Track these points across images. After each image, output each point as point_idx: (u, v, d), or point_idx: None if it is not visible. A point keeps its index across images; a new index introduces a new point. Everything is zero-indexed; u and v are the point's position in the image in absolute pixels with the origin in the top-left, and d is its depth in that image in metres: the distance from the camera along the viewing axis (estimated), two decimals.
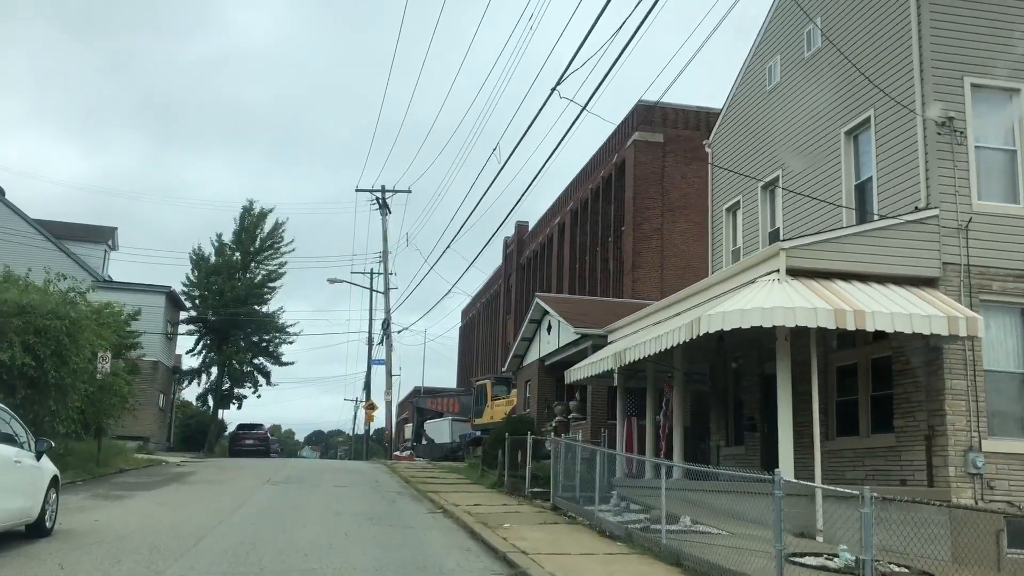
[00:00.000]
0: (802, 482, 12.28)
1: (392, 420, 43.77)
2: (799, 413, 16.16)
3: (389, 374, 42.81)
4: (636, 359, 16.98)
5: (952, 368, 13.82)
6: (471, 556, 11.41)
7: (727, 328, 13.34)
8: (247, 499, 17.33)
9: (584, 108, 14.79)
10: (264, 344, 48.06)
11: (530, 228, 62.29)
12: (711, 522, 13.19)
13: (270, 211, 48.28)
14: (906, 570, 10.07)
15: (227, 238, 48.00)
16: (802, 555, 10.39)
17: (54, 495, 12.05)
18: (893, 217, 14.62)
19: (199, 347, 47.55)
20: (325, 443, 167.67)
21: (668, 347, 15.20)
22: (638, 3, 12.69)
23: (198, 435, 49.78)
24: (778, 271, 14.04)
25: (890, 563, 9.91)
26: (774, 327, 13.23)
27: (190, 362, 50.51)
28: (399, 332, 46.50)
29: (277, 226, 48.20)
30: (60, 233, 43.94)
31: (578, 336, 24.34)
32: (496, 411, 38.68)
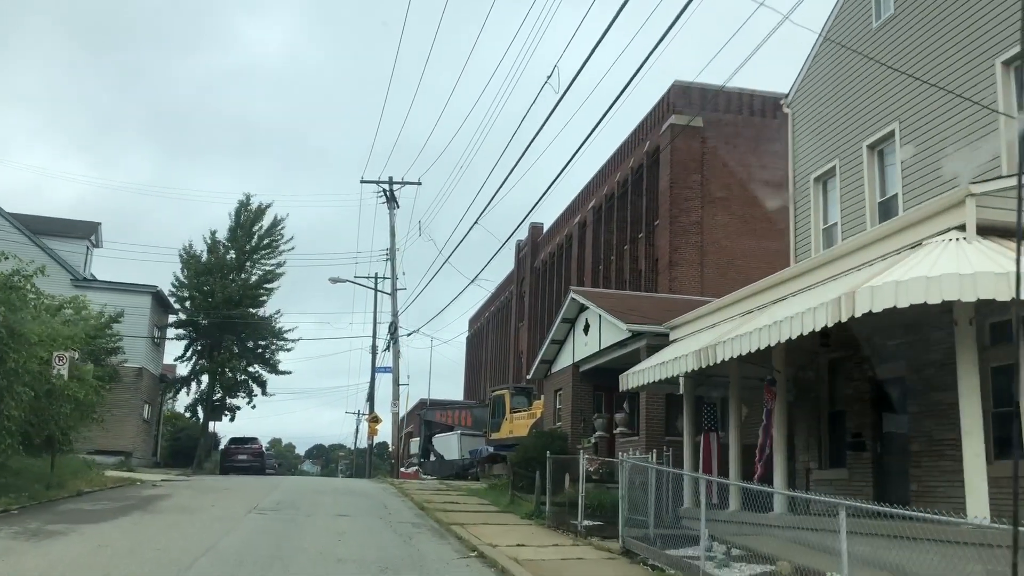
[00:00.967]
0: None
1: (399, 434, 39.66)
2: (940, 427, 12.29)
3: (396, 383, 38.80)
4: (734, 355, 12.91)
5: None
6: None
7: (902, 304, 9.30)
8: (220, 538, 13.26)
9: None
10: (260, 350, 43.93)
11: (545, 229, 58.33)
12: None
13: (268, 206, 44.34)
14: None
15: (222, 235, 44.04)
16: None
17: None
18: None
19: (189, 353, 43.49)
20: (326, 457, 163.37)
21: (795, 335, 11.12)
22: None
23: (189, 450, 45.65)
24: (960, 227, 10.01)
25: None
26: (926, 306, 9.25)
27: (183, 370, 46.46)
28: (408, 335, 42.38)
29: (276, 222, 44.22)
30: (38, 228, 40.00)
31: (629, 334, 20.31)
32: (516, 425, 34.58)
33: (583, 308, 24.49)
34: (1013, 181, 10.43)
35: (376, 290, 43.92)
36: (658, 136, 36.90)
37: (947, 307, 9.80)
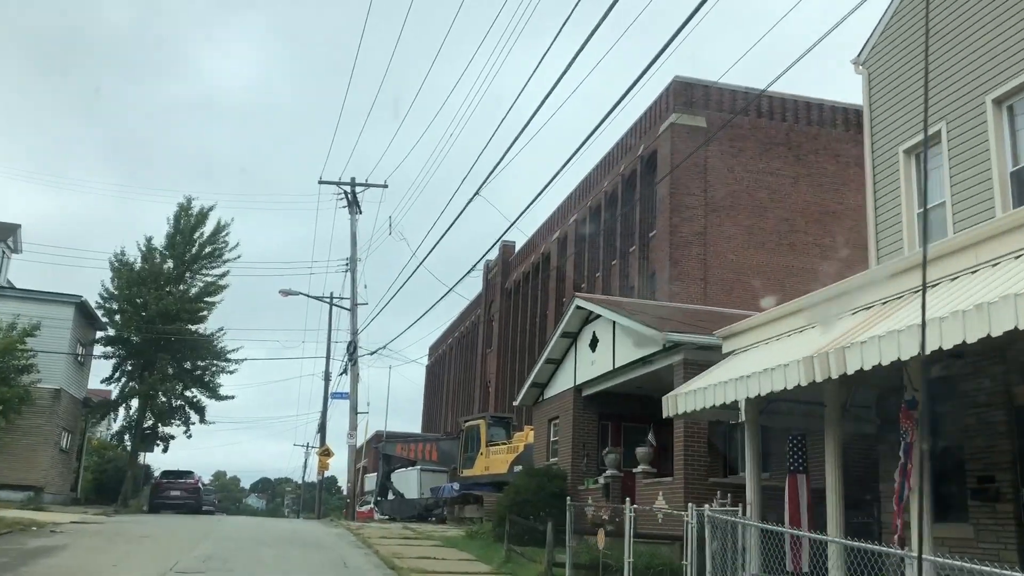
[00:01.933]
0: None
1: (356, 470, 34.88)
2: None
3: (354, 411, 34.05)
4: (879, 362, 8.76)
5: None
6: None
7: None
8: None
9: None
10: (198, 372, 38.86)
11: (518, 248, 54.22)
12: None
13: (211, 209, 39.42)
14: None
15: (159, 242, 39.10)
16: None
17: None
18: None
19: (117, 374, 38.26)
20: (272, 491, 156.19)
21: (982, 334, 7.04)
22: None
23: (116, 484, 40.22)
24: None
25: None
26: None
27: (114, 393, 41.10)
28: (372, 353, 37.71)
29: (220, 228, 39.33)
30: None
31: (661, 347, 16.10)
32: (494, 460, 30.10)
33: (590, 318, 20.26)
34: None
35: (331, 303, 39.26)
36: (655, 138, 33.09)
37: None
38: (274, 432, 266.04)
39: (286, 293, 35.59)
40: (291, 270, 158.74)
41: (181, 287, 38.69)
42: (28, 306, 33.99)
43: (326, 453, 48.58)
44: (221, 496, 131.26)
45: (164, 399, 38.25)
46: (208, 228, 39.50)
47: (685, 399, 13.03)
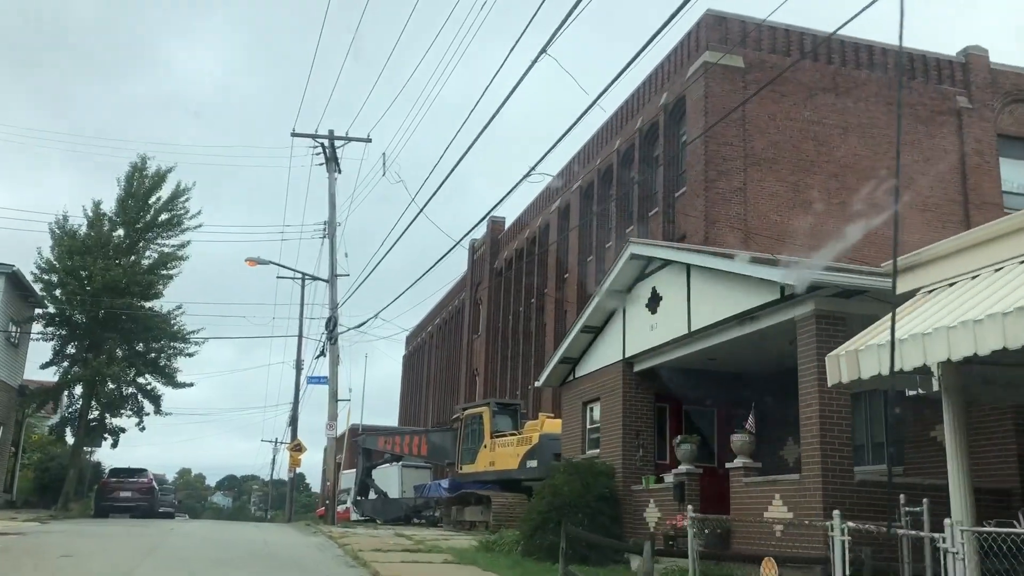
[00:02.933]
0: None
1: (335, 465, 30.16)
2: None
3: (334, 397, 29.30)
4: None
5: None
6: None
7: None
8: None
9: None
10: (152, 356, 33.87)
11: (508, 224, 49.62)
12: None
13: (170, 170, 34.45)
14: None
15: (109, 207, 34.06)
16: None
17: None
18: None
19: (58, 358, 33.18)
20: (239, 489, 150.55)
21: None
22: None
23: (61, 483, 35.20)
24: None
25: None
26: None
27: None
28: (360, 327, 33.03)
29: (179, 192, 34.36)
30: None
31: (782, 295, 11.64)
32: (500, 454, 25.61)
33: (646, 271, 15.80)
34: None
35: (304, 276, 34.44)
36: (685, 82, 28.66)
37: None
38: (241, 427, 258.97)
39: (254, 262, 30.79)
40: (264, 237, 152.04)
41: (133, 258, 33.70)
42: None
43: (298, 448, 43.72)
44: (184, 495, 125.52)
45: (113, 386, 33.26)
46: (166, 192, 34.56)
47: (866, 357, 8.57)
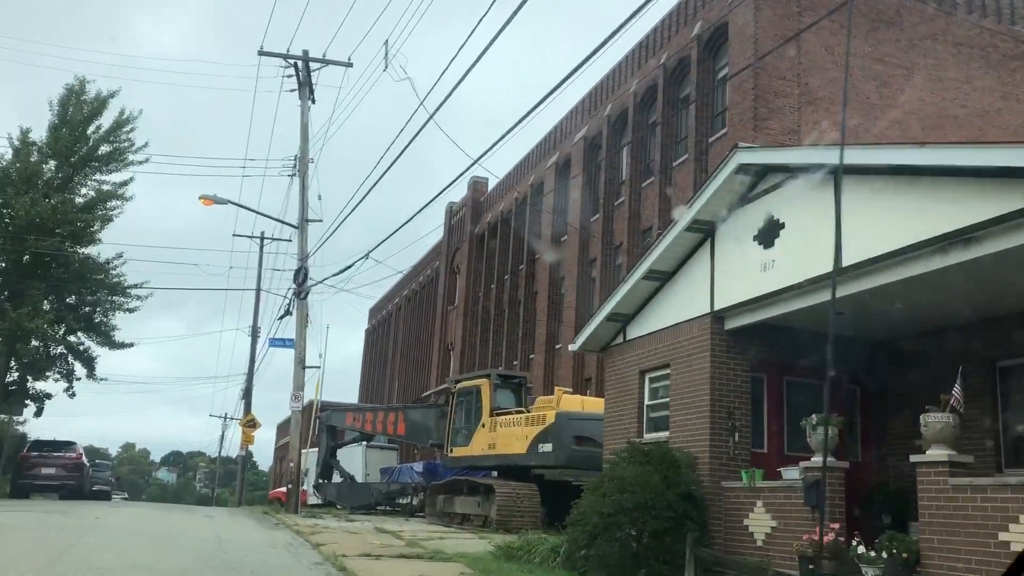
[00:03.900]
0: None
1: (301, 442, 25.59)
2: None
3: (300, 364, 24.76)
4: None
5: None
6: None
7: None
8: None
9: None
10: (87, 310, 28.95)
11: (492, 185, 45.17)
12: None
13: (112, 96, 29.44)
14: None
15: (39, 136, 29.00)
16: None
17: None
18: None
19: None
20: (184, 465, 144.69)
21: None
22: None
23: None
24: None
25: None
26: None
27: None
28: (337, 274, 28.37)
29: (123, 121, 29.42)
30: None
31: None
32: (503, 435, 21.25)
33: (762, 185, 11.58)
34: None
35: (266, 216, 29.57)
36: (724, 8, 24.51)
37: None
38: (189, 401, 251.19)
39: (210, 201, 26.04)
40: (225, 173, 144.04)
41: (65, 195, 28.71)
42: None
43: (252, 424, 39.20)
44: (128, 470, 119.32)
45: (37, 343, 28.30)
46: (107, 120, 29.57)
47: None
